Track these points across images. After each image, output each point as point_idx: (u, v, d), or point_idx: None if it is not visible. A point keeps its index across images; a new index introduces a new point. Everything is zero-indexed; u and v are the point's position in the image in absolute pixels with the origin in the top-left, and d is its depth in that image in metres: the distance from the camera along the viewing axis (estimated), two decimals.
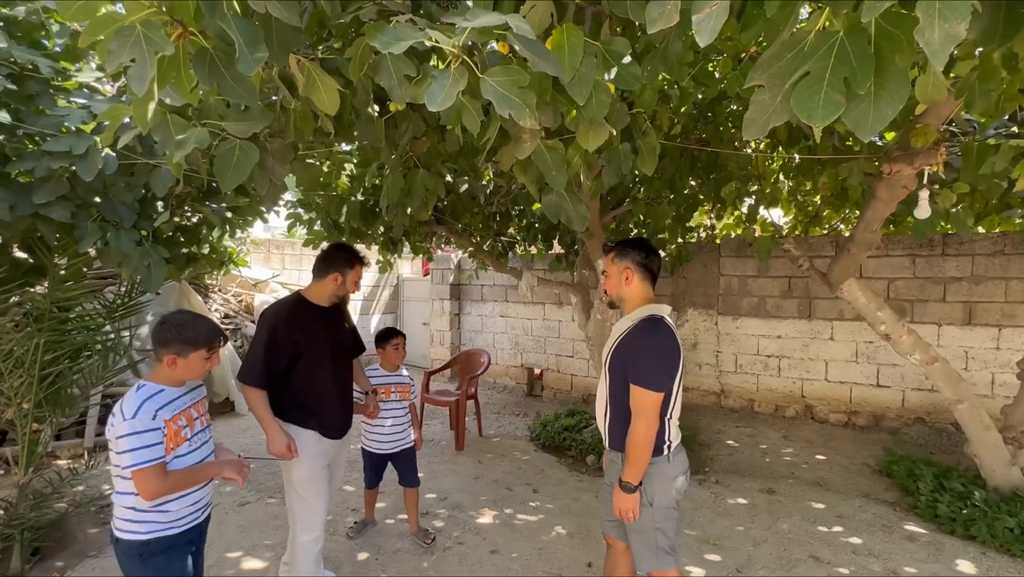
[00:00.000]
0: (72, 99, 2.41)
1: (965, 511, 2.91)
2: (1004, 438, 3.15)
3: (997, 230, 4.50)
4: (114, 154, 2.26)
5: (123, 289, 3.09)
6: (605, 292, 1.86)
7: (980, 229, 4.47)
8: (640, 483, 1.62)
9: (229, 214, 3.06)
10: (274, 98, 1.75)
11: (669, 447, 1.69)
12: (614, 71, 1.39)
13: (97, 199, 2.40)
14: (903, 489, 3.43)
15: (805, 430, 4.78)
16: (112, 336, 2.91)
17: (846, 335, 4.92)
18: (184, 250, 2.98)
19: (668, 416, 1.68)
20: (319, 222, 3.88)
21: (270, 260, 7.28)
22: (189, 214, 3.09)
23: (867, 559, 2.64)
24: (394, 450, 2.75)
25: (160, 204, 2.71)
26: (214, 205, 2.99)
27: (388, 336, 2.78)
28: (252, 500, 3.33)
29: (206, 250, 3.17)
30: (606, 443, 1.80)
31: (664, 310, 1.71)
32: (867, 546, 2.76)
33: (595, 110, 1.38)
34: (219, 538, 2.82)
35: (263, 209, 3.72)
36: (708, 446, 4.38)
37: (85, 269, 3.00)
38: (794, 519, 3.07)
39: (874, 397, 4.83)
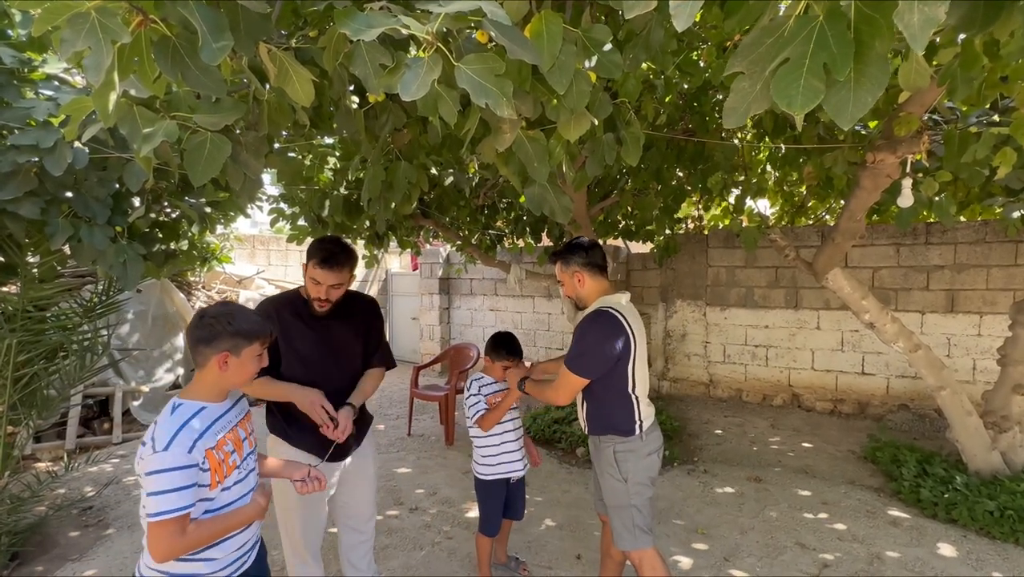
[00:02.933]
0: (41, 91, 2.33)
1: (947, 495, 2.97)
2: (985, 423, 3.20)
3: (979, 218, 4.56)
4: (86, 148, 2.19)
5: (100, 287, 3.01)
6: (568, 298, 1.97)
7: (962, 218, 4.53)
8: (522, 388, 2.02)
9: (208, 209, 2.99)
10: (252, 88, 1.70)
11: (641, 426, 1.81)
12: (594, 59, 1.36)
13: (68, 194, 2.33)
14: (887, 475, 3.49)
15: (792, 418, 4.84)
16: (89, 336, 2.84)
17: (832, 324, 4.97)
18: (162, 246, 2.91)
19: (633, 393, 1.79)
20: (302, 217, 3.81)
21: (255, 256, 7.18)
22: (168, 210, 3.02)
23: (852, 544, 2.68)
24: (524, 470, 2.30)
25: (137, 199, 2.64)
26: (192, 200, 2.92)
27: (500, 350, 2.18)
28: None
29: (185, 246, 3.09)
30: (586, 429, 1.92)
31: (615, 300, 1.83)
32: (852, 532, 2.80)
33: (576, 99, 1.35)
34: None
35: (244, 204, 3.65)
36: (697, 436, 4.42)
37: (60, 267, 2.92)
38: (781, 507, 3.11)
39: (859, 385, 4.89)
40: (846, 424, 4.66)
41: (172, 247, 3.01)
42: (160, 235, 2.98)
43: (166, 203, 2.88)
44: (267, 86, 1.60)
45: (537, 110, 1.44)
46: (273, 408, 1.87)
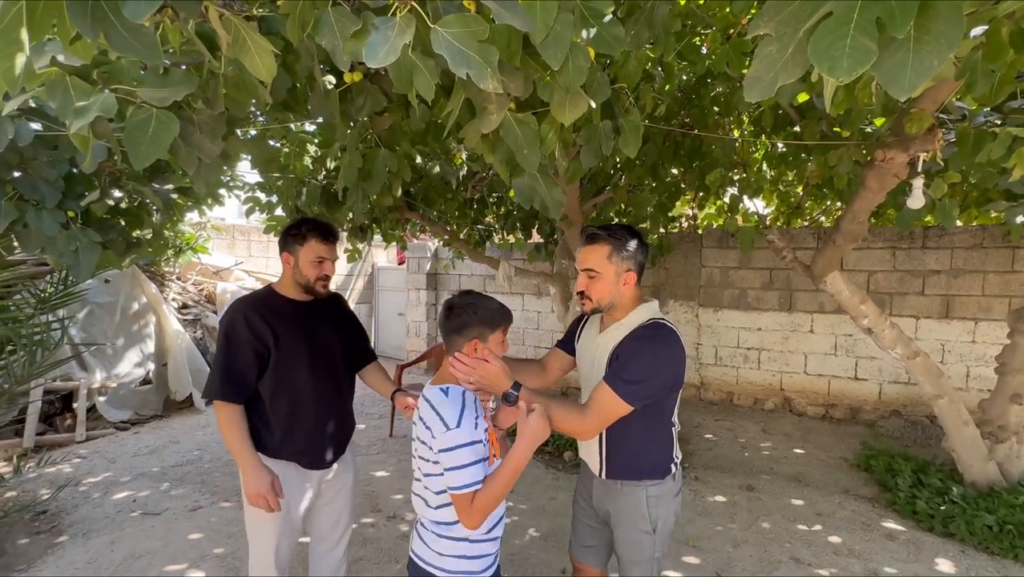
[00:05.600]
0: None
1: (943, 508, 2.88)
2: (981, 433, 3.12)
3: (975, 223, 4.50)
4: (39, 125, 1.99)
5: (57, 277, 2.80)
6: (582, 295, 1.45)
7: (958, 222, 4.46)
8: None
9: (175, 196, 2.79)
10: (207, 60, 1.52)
11: (676, 464, 1.52)
12: (593, 32, 1.21)
13: (14, 174, 2.13)
14: (881, 484, 3.40)
15: (783, 423, 4.76)
16: (39, 329, 2.62)
17: (826, 328, 4.89)
18: (123, 234, 2.70)
19: (674, 425, 1.51)
20: (280, 207, 3.62)
21: (235, 247, 6.93)
22: (133, 195, 2.82)
23: (848, 559, 2.57)
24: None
25: (96, 182, 2.45)
26: (157, 185, 2.71)
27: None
28: (205, 504, 3.10)
29: (150, 235, 2.88)
30: (601, 472, 1.49)
31: (656, 308, 1.47)
32: (847, 545, 2.70)
33: (571, 76, 1.20)
34: (164, 548, 2.61)
35: (219, 192, 3.44)
36: (687, 440, 4.31)
37: (23, 255, 2.70)
38: (774, 517, 3.00)
39: (852, 390, 4.82)
40: (838, 430, 4.59)
41: (135, 235, 2.80)
42: (122, 222, 2.77)
43: (129, 187, 2.67)
44: (223, 58, 1.43)
45: (528, 88, 1.28)
46: (250, 411, 1.68)
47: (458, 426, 1.18)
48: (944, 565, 2.53)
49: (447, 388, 1.28)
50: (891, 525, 2.91)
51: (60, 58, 1.22)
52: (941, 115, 2.79)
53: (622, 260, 1.40)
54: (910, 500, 3.05)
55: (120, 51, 1.01)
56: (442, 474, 1.20)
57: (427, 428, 1.23)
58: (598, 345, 1.48)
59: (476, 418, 1.24)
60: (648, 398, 1.35)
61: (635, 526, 1.47)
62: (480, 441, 1.22)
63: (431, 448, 1.21)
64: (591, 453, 1.52)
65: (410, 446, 3.72)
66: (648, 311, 1.44)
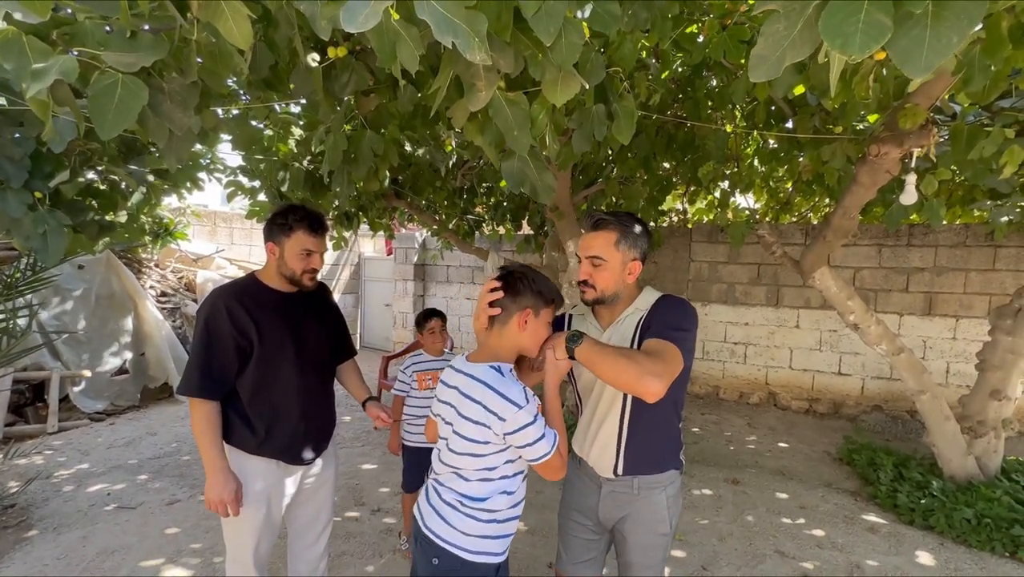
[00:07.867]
0: None
1: (923, 501, 2.92)
2: (961, 428, 3.17)
3: (958, 222, 4.56)
4: (2, 100, 1.88)
5: (25, 261, 2.68)
6: (585, 283, 1.36)
7: (942, 221, 4.51)
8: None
9: (151, 177, 2.68)
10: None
11: (683, 458, 1.50)
12: (588, 8, 1.16)
13: None
14: (863, 478, 3.44)
15: (768, 417, 4.80)
16: (5, 315, 2.51)
17: (811, 323, 4.93)
18: (95, 217, 2.58)
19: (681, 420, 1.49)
20: (263, 192, 3.51)
21: (216, 234, 6.75)
22: (107, 176, 2.70)
23: (831, 552, 2.59)
24: None
25: (66, 162, 2.33)
26: (133, 167, 2.60)
27: (425, 319, 2.52)
28: (183, 497, 3.02)
29: (124, 218, 2.77)
30: (616, 469, 1.38)
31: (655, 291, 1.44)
32: (830, 538, 2.72)
33: (564, 54, 1.14)
34: (139, 543, 2.53)
35: (198, 176, 3.32)
36: None
37: None
38: (759, 511, 3.01)
39: (835, 385, 4.88)
40: (820, 424, 4.64)
41: (108, 219, 2.68)
42: (95, 204, 2.65)
43: (102, 168, 2.55)
44: (196, 24, 1.35)
45: (518, 65, 1.22)
46: (227, 407, 1.57)
47: (527, 402, 1.18)
48: (924, 557, 2.56)
49: (497, 365, 1.23)
50: (873, 518, 2.94)
51: (16, 15, 1.13)
52: (934, 113, 2.79)
53: (628, 248, 1.33)
54: (891, 494, 3.09)
55: (78, 1, 0.93)
56: (505, 449, 1.22)
57: (491, 412, 1.17)
58: (610, 340, 1.37)
59: (525, 388, 1.25)
60: (690, 353, 1.27)
61: (654, 530, 1.40)
62: (537, 410, 1.24)
63: (495, 432, 1.18)
64: (605, 450, 1.39)
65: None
66: (654, 292, 1.40)
